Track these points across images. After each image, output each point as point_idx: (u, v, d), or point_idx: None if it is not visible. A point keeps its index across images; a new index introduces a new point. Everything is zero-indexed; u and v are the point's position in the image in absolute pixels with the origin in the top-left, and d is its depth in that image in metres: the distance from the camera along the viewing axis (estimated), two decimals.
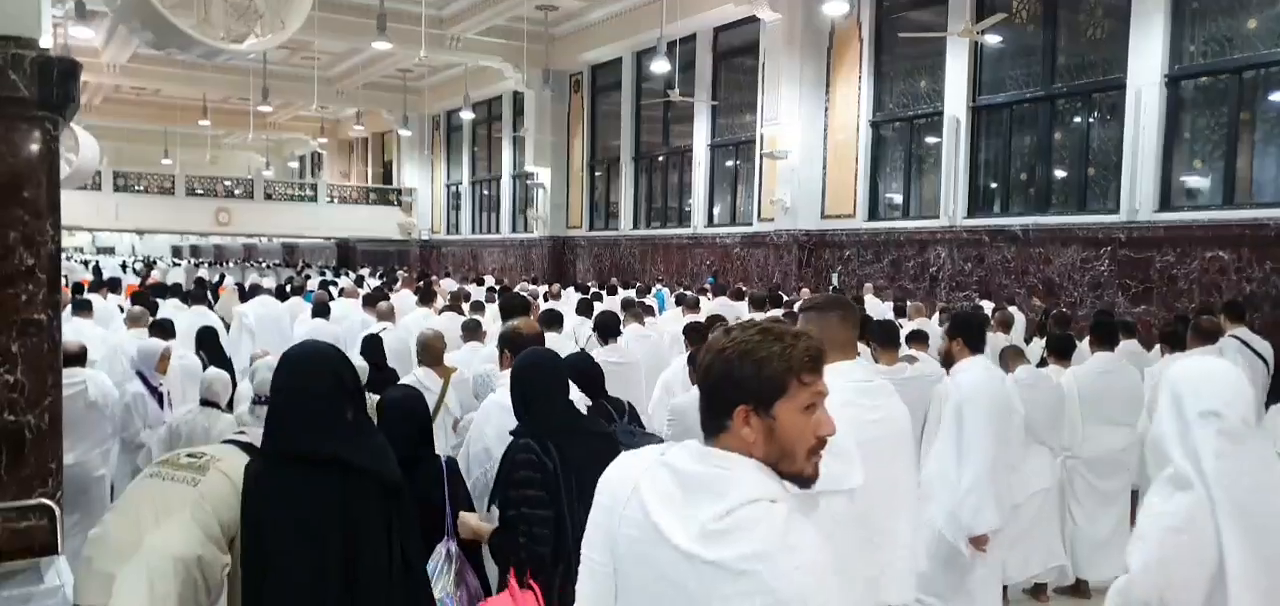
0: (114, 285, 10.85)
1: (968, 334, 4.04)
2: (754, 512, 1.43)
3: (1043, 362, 5.71)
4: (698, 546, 1.43)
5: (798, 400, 1.51)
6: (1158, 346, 6.10)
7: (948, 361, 4.08)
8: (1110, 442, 4.96)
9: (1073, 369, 5.13)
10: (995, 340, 7.00)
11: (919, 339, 5.89)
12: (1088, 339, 5.56)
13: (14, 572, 2.44)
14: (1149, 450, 2.31)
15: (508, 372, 3.19)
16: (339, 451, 2.29)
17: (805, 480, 1.53)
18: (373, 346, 5.49)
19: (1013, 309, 9.99)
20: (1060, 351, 5.42)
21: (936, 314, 9.08)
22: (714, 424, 1.54)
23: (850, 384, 2.57)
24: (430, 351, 5.01)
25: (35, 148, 2.65)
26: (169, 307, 8.10)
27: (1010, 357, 5.18)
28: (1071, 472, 5.05)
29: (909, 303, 9.60)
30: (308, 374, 2.38)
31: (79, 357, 4.96)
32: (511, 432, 2.86)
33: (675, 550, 1.45)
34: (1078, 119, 12.11)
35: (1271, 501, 2.08)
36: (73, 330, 6.22)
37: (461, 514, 2.94)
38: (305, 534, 2.25)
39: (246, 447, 2.92)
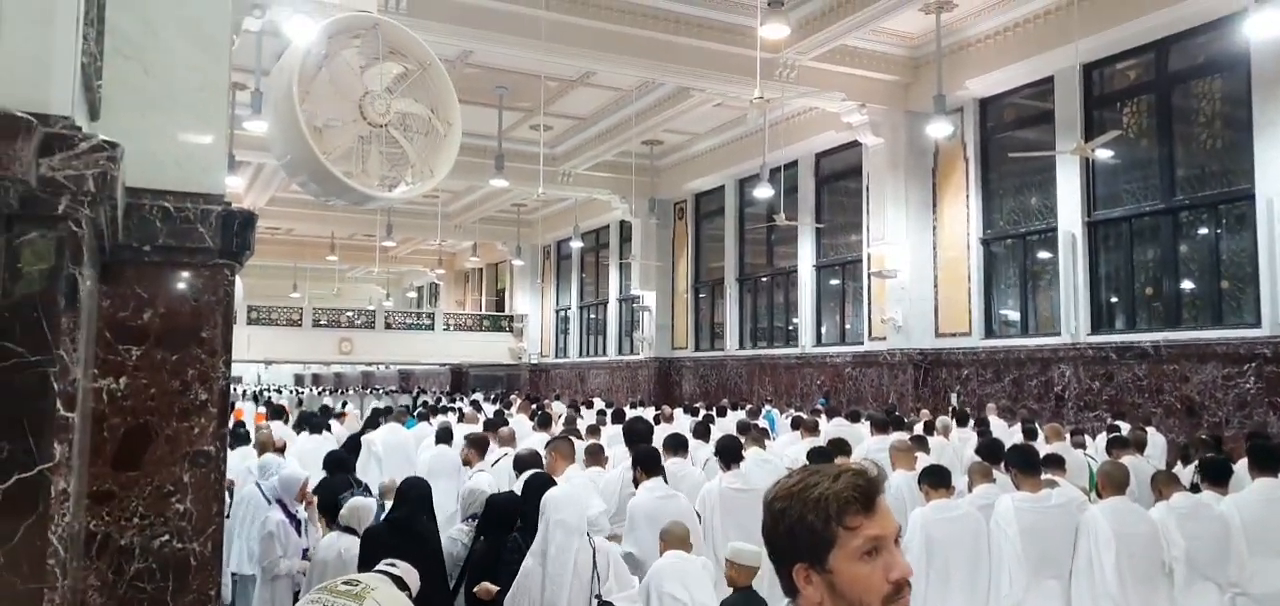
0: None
1: None
2: None
3: (1195, 488, 5.33)
4: None
5: (849, 548, 1.35)
6: None
7: None
8: None
9: (1233, 496, 4.75)
10: (1135, 464, 6.59)
11: (1056, 464, 5.60)
12: (1245, 463, 5.18)
13: None
14: None
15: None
16: None
17: None
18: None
19: (1150, 430, 9.43)
20: (1216, 477, 5.04)
21: (1068, 435, 8.64)
22: (786, 585, 1.42)
23: None
24: None
25: (215, 292, 2.85)
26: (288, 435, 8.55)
27: (1163, 484, 4.86)
28: None
29: (1041, 425, 9.16)
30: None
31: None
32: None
33: None
34: (1203, 230, 11.65)
35: None
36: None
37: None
38: None
39: (396, 580, 3.04)
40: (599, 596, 3.66)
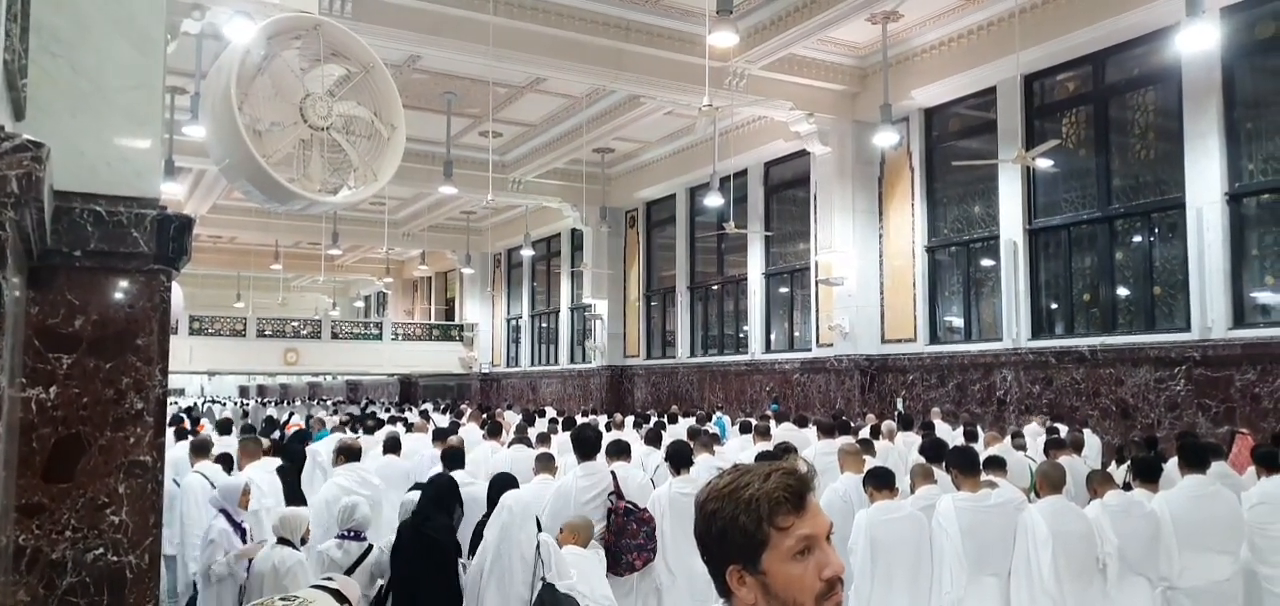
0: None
1: None
2: None
3: (1127, 487, 5.50)
4: None
5: (782, 548, 1.34)
6: (1252, 468, 5.83)
7: None
8: (1213, 572, 4.67)
9: (1164, 494, 4.91)
10: (1072, 464, 6.77)
11: (997, 465, 5.74)
12: (1175, 462, 5.36)
13: None
14: None
15: None
16: None
17: None
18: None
19: (1087, 431, 9.70)
20: (1147, 475, 5.20)
21: (1008, 437, 8.84)
22: (719, 586, 1.40)
23: None
24: None
25: (150, 299, 2.76)
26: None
27: (1098, 483, 5.00)
28: None
29: (981, 429, 9.37)
30: None
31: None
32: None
33: None
34: (1138, 238, 12.02)
35: None
36: None
37: None
38: None
39: (335, 594, 2.99)
40: (543, 579, 4.06)
